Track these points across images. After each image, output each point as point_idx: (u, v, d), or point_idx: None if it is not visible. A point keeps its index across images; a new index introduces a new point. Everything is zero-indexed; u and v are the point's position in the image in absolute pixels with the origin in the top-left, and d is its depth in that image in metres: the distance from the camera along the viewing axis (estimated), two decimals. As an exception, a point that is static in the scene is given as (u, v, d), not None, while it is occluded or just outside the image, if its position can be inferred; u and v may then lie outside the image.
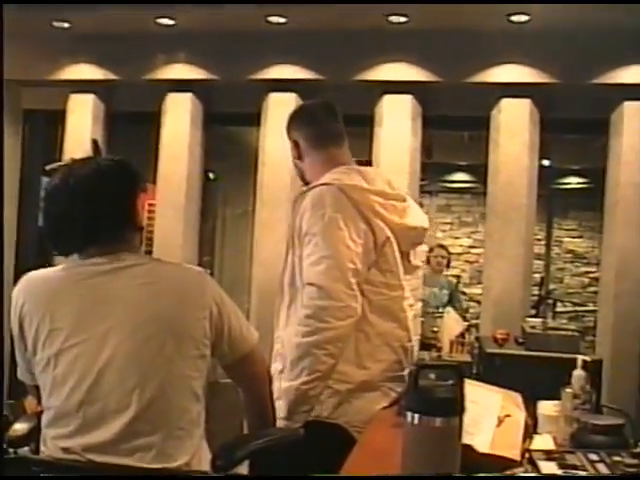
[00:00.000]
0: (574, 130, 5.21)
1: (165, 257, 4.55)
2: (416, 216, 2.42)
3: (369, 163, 4.77)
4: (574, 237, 8.60)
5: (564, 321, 3.06)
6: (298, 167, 2.55)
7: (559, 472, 1.60)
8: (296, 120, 2.56)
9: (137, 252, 1.97)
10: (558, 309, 7.94)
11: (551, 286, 8.34)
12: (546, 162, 6.60)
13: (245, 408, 2.17)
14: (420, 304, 2.54)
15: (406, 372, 2.21)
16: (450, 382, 1.44)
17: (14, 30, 4.68)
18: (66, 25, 4.69)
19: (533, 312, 5.72)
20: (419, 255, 2.43)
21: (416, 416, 1.41)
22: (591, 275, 8.37)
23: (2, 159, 4.40)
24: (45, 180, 2.09)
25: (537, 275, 6.73)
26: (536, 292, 6.76)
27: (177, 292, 1.88)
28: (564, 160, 7.61)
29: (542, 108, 4.57)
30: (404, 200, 2.41)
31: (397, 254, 2.30)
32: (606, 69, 4.35)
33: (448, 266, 6.69)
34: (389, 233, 2.29)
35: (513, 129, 4.53)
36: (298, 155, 2.51)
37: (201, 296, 1.91)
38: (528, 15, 4.13)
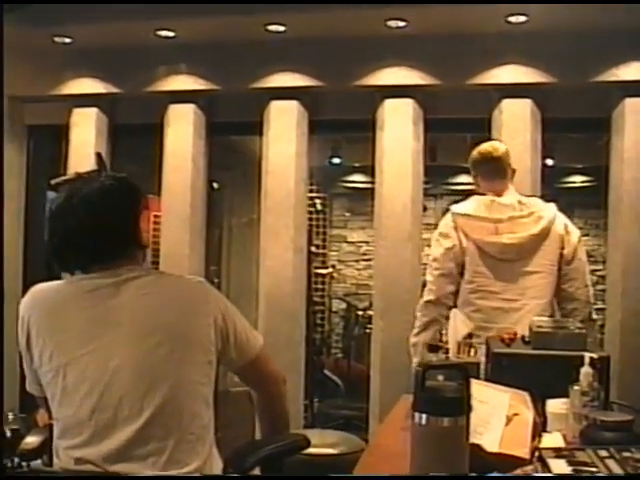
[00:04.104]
0: (576, 129, 5.21)
1: (172, 268, 4.58)
2: None
3: (372, 168, 4.79)
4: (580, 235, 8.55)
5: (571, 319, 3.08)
6: None
7: (569, 469, 1.60)
8: None
9: (140, 266, 2.00)
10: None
11: (559, 285, 8.32)
12: (550, 161, 6.60)
13: (258, 409, 2.19)
14: None
15: None
16: (456, 382, 1.45)
17: (15, 46, 4.73)
18: (67, 40, 4.71)
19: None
20: None
21: (424, 416, 1.43)
22: (598, 273, 8.34)
23: (2, 166, 4.42)
24: (50, 194, 2.12)
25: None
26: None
27: (181, 301, 1.92)
28: (567, 159, 7.61)
29: (543, 108, 4.56)
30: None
31: None
32: (606, 67, 4.35)
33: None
34: None
35: (514, 130, 4.53)
36: None
37: (205, 304, 1.94)
38: (526, 16, 4.14)
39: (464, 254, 3.35)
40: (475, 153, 3.52)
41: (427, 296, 3.42)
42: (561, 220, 3.42)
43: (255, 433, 3.77)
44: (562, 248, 3.36)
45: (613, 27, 4.16)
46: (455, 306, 3.37)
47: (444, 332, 3.19)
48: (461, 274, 3.39)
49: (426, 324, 3.41)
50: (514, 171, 3.54)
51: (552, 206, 3.45)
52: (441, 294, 3.38)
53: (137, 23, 4.45)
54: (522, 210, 3.34)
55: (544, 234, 3.32)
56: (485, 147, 3.52)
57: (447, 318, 3.39)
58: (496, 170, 3.45)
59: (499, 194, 3.41)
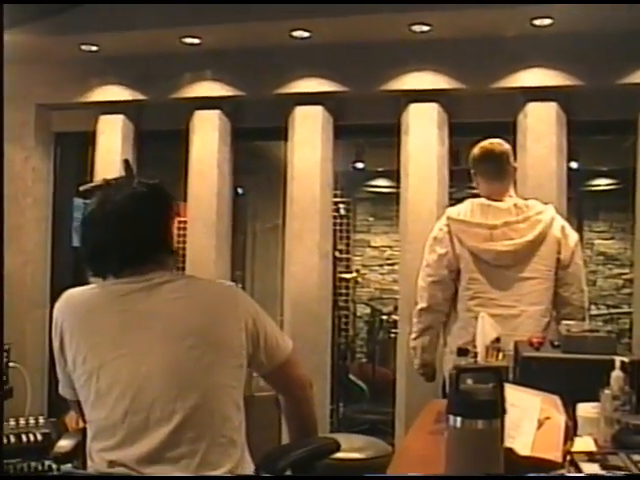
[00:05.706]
0: (601, 131, 5.17)
1: (199, 272, 4.60)
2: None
3: (397, 172, 4.79)
4: (605, 239, 8.51)
5: (599, 324, 3.02)
6: None
7: (602, 473, 1.60)
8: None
9: (170, 271, 2.02)
10: (592, 312, 7.85)
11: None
12: (574, 164, 6.55)
13: (286, 414, 2.20)
14: None
15: None
16: (490, 385, 1.45)
17: (42, 55, 4.79)
18: (94, 48, 4.76)
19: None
20: None
21: (458, 419, 1.43)
22: (625, 277, 8.28)
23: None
24: (77, 201, 2.16)
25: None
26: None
27: (212, 305, 1.94)
28: (592, 162, 7.55)
29: (568, 110, 4.54)
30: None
31: None
32: (632, 69, 4.32)
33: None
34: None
35: (540, 133, 4.51)
36: None
37: (235, 308, 1.96)
38: (551, 18, 4.13)
39: (458, 261, 3.29)
40: (475, 150, 3.45)
41: (420, 303, 3.38)
42: (559, 223, 3.33)
43: (281, 438, 3.79)
44: (559, 252, 3.27)
45: (637, 28, 4.13)
46: (455, 311, 3.36)
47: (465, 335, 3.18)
48: (455, 280, 3.32)
49: (422, 330, 3.39)
50: (515, 169, 3.48)
51: (550, 208, 3.36)
52: (433, 302, 3.34)
53: (163, 30, 4.49)
54: (518, 215, 3.26)
55: (540, 239, 3.24)
56: (485, 144, 3.44)
57: (444, 323, 3.41)
58: (496, 170, 3.37)
59: (498, 198, 3.33)
